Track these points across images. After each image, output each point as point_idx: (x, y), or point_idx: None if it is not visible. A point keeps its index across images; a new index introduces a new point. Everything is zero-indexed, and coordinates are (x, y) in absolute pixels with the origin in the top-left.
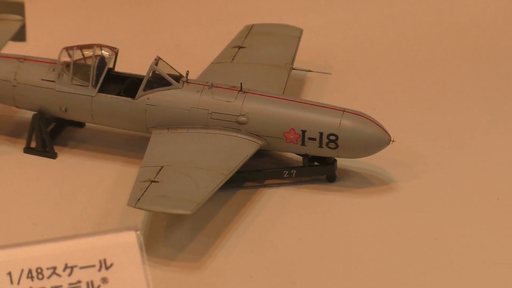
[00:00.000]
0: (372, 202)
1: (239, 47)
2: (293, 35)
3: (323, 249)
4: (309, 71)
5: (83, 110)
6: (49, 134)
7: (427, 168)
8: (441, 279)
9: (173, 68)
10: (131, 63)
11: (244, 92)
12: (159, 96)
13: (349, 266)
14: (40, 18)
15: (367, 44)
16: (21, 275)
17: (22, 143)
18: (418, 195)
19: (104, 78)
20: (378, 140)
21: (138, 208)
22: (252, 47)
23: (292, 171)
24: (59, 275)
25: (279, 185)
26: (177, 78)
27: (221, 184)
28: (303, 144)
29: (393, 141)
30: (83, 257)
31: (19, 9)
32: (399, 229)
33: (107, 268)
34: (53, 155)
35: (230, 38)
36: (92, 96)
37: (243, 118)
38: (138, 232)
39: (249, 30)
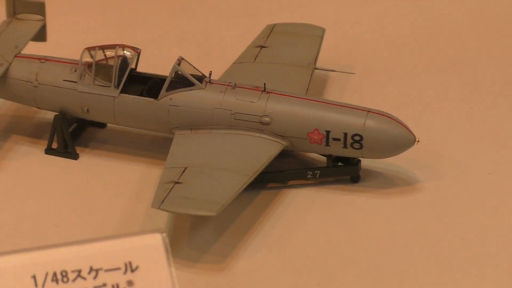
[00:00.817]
0: (396, 203)
1: (261, 47)
2: (315, 34)
3: (347, 250)
4: (332, 70)
5: (105, 111)
6: (70, 135)
7: (453, 169)
8: (467, 282)
9: (196, 68)
10: (154, 64)
11: (268, 92)
12: (182, 97)
13: (374, 269)
14: (61, 18)
15: (392, 43)
16: (45, 278)
17: (44, 144)
18: (443, 195)
19: (127, 78)
20: (403, 141)
21: (162, 209)
22: (274, 46)
23: (316, 171)
24: (84, 278)
25: (302, 185)
26: (200, 78)
27: (245, 186)
28: (327, 144)
29: (418, 141)
30: (108, 260)
31: (40, 9)
32: (425, 230)
33: (132, 270)
34: (74, 156)
35: (251, 37)
36: (114, 96)
37: (267, 119)
38: (164, 234)
39: (271, 29)
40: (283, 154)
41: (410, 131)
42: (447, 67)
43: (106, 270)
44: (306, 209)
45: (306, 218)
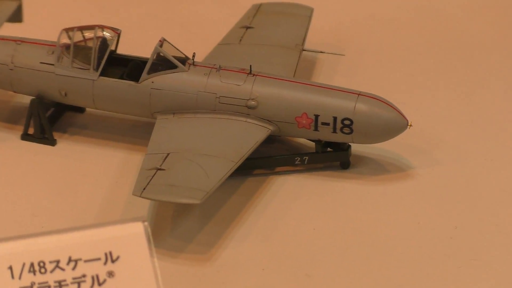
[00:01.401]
0: (389, 190)
1: (247, 28)
2: (303, 14)
3: (338, 239)
4: (321, 52)
5: (84, 95)
6: (48, 120)
7: (446, 154)
8: (463, 270)
9: (179, 50)
10: (135, 45)
11: (254, 75)
12: (164, 80)
13: (366, 258)
14: None
15: (384, 23)
16: (22, 269)
17: (20, 130)
18: (437, 182)
19: (106, 61)
20: (395, 125)
21: (144, 197)
22: (260, 27)
23: (304, 157)
24: (62, 269)
25: (290, 172)
26: (183, 60)
27: (230, 172)
28: (316, 129)
29: (411, 125)
30: (88, 250)
31: None
32: (418, 218)
33: (113, 261)
34: (52, 142)
35: (237, 18)
36: (93, 79)
37: (253, 102)
38: (146, 223)
39: (257, 9)
40: (270, 139)
41: (403, 115)
42: (442, 48)
43: (86, 261)
44: (294, 196)
45: (294, 206)
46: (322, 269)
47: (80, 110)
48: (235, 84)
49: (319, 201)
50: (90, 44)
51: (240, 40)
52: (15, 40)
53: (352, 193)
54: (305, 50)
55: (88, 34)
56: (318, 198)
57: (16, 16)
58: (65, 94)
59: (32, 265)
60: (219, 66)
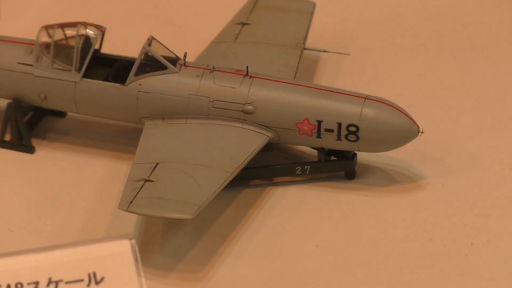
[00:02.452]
0: (398, 202)
1: (243, 24)
2: (305, 10)
3: (343, 257)
4: (324, 51)
5: (65, 98)
6: (26, 125)
7: (461, 162)
8: None
9: (169, 49)
10: (120, 44)
11: (251, 76)
12: (152, 82)
13: (373, 277)
14: None
15: (392, 19)
16: None
17: None
18: (451, 194)
19: (90, 61)
20: (405, 131)
21: (130, 212)
22: (258, 24)
23: (306, 167)
24: None
25: (291, 183)
26: (174, 60)
27: (225, 184)
28: (318, 136)
29: (422, 132)
30: (70, 270)
31: None
32: (430, 234)
33: (97, 282)
34: (30, 149)
35: (232, 13)
36: (75, 81)
37: (250, 107)
38: (133, 241)
39: (254, 4)
40: (269, 147)
41: (413, 121)
42: (457, 45)
43: (67, 282)
44: (294, 209)
45: (294, 220)
46: None
47: (61, 114)
48: (230, 86)
49: (322, 215)
50: (72, 42)
51: (236, 38)
52: None
53: (358, 206)
54: (306, 49)
55: (69, 31)
56: (321, 211)
57: None
58: (45, 97)
59: (8, 286)
60: (213, 67)
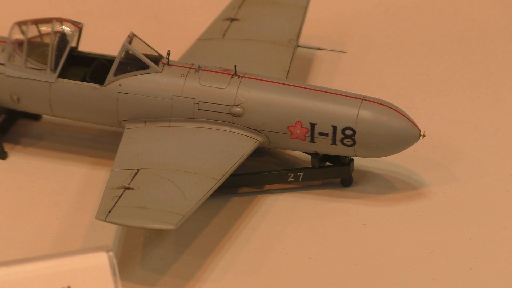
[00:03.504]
0: (397, 211)
1: (232, 20)
2: (298, 4)
3: (338, 270)
4: (319, 49)
5: (40, 100)
6: None
7: (466, 169)
8: None
9: (151, 47)
10: (99, 41)
11: (239, 76)
12: (133, 82)
13: None
14: None
15: (392, 13)
16: None
17: None
18: (454, 202)
19: (66, 60)
20: (405, 135)
21: (109, 222)
22: (247, 19)
23: (299, 173)
24: None
25: (282, 190)
26: (156, 59)
27: (211, 191)
28: (312, 140)
29: (424, 136)
30: (44, 285)
31: None
32: (432, 245)
33: None
34: (2, 155)
35: (220, 8)
36: (50, 82)
37: (238, 109)
38: (111, 253)
39: None
40: (259, 152)
41: (414, 124)
42: (461, 42)
43: None
44: (286, 220)
45: (286, 231)
46: None
47: (35, 117)
48: (217, 87)
49: (316, 225)
50: (46, 40)
51: (224, 34)
52: None
53: (354, 216)
54: (300, 47)
55: (44, 28)
56: (315, 221)
57: None
58: (18, 99)
59: None
60: (199, 66)
